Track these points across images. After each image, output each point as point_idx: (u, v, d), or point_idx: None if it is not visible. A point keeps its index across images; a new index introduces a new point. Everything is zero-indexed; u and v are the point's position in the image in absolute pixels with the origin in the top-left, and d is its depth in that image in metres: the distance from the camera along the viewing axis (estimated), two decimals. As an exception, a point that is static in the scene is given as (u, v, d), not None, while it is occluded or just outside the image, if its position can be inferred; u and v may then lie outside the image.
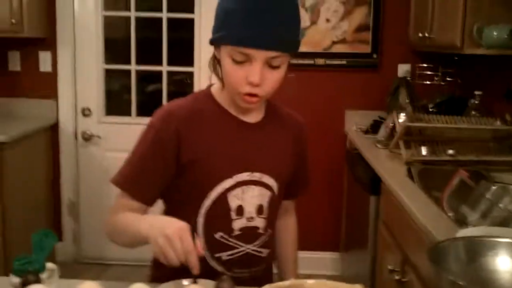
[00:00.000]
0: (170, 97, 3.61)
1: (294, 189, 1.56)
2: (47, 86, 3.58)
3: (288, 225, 1.63)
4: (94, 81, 3.60)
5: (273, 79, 1.26)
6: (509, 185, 2.17)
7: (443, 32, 2.76)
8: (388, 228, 2.34)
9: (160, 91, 3.64)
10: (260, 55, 1.22)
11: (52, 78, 3.58)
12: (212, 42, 1.31)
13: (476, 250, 1.13)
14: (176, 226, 1.11)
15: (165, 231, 1.09)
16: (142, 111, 3.66)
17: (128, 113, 3.66)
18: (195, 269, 1.08)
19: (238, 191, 1.35)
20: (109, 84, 3.70)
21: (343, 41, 3.51)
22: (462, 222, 1.70)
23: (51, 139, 3.62)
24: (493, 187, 1.71)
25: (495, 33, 2.32)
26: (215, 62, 1.34)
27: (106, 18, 3.58)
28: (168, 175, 1.34)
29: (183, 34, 3.62)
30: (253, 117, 1.40)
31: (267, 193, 1.39)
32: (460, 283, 0.95)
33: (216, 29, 1.28)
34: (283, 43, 1.23)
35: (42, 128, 3.47)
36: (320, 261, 3.68)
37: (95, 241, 3.69)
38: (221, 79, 1.34)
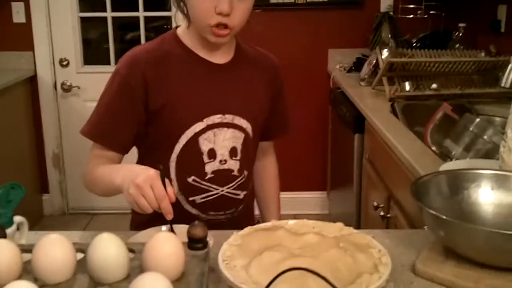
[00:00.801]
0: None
1: (272, 131, 1.53)
2: (22, 38, 3.48)
3: (266, 165, 1.60)
4: (70, 31, 3.51)
5: (241, 9, 1.23)
6: (493, 116, 2.16)
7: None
8: (372, 166, 2.34)
9: (139, 38, 3.55)
10: None
11: (27, 29, 3.47)
12: None
13: (458, 183, 1.12)
14: (146, 174, 1.08)
15: (136, 180, 1.07)
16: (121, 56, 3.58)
17: (107, 62, 3.58)
18: (169, 215, 1.06)
19: (209, 134, 1.32)
20: (86, 34, 3.60)
21: (324, -23, 3.40)
22: (445, 156, 1.69)
23: (31, 91, 3.55)
24: (477, 120, 1.70)
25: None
26: None
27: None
28: (137, 121, 1.31)
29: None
30: (222, 58, 1.35)
31: (241, 135, 1.37)
32: (442, 217, 0.93)
33: None
34: None
35: (20, 80, 3.38)
36: (307, 201, 3.70)
37: (81, 192, 3.64)
38: (186, 16, 1.29)
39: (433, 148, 1.74)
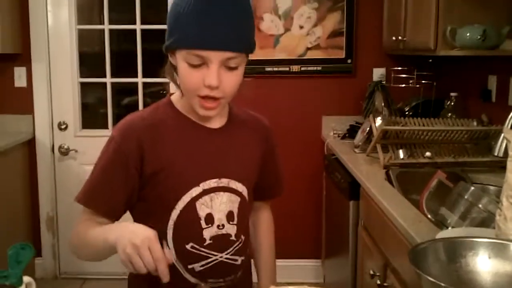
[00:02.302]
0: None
1: (265, 191, 1.54)
2: (22, 101, 3.54)
3: (260, 223, 1.59)
4: (69, 95, 3.57)
5: (231, 81, 1.24)
6: (487, 185, 2.19)
7: (417, 35, 2.78)
8: (368, 233, 2.34)
9: (136, 103, 3.61)
10: (216, 57, 1.19)
11: (27, 93, 3.54)
12: (166, 48, 1.29)
13: (455, 251, 1.14)
14: (144, 235, 1.08)
15: (133, 240, 1.07)
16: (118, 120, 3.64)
17: (105, 126, 3.62)
18: (165, 278, 1.06)
19: (206, 199, 1.32)
20: (85, 98, 3.67)
21: (317, 47, 3.52)
22: (441, 223, 1.71)
23: (28, 154, 3.58)
24: (472, 188, 1.72)
25: (468, 34, 2.34)
26: (171, 69, 1.32)
27: (80, 32, 3.55)
28: (131, 188, 1.31)
29: (157, 45, 3.58)
30: (216, 122, 1.37)
31: (237, 199, 1.37)
32: (441, 284, 0.95)
33: (169, 34, 1.25)
34: (239, 42, 1.21)
35: (19, 143, 3.42)
36: (301, 269, 3.67)
37: (74, 256, 3.64)
38: (179, 86, 1.32)
39: (429, 215, 1.76)
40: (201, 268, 1.33)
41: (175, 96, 1.39)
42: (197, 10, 1.18)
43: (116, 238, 1.12)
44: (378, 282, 2.00)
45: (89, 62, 3.65)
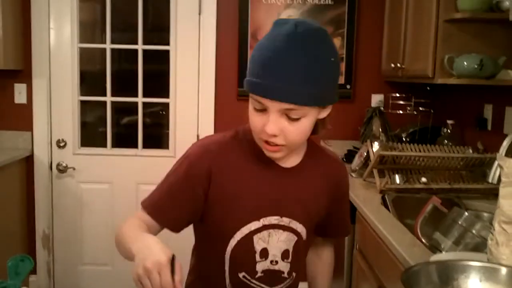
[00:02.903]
0: (146, 129, 3.62)
1: (327, 229, 1.53)
2: (22, 118, 3.56)
3: (320, 256, 1.61)
4: (69, 113, 3.59)
5: (293, 131, 1.21)
6: (481, 212, 2.21)
7: (415, 62, 2.82)
8: (363, 257, 2.35)
9: (136, 123, 3.64)
10: (273, 106, 1.18)
11: (27, 110, 3.56)
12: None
13: (448, 273, 1.15)
14: (156, 259, 1.07)
15: (145, 262, 1.06)
16: (118, 143, 3.66)
17: (104, 145, 3.64)
18: None
19: (264, 234, 1.34)
20: (84, 116, 3.68)
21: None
22: (435, 248, 1.72)
23: (26, 171, 3.58)
24: (466, 214, 1.74)
25: (465, 63, 2.37)
26: None
27: (82, 50, 3.59)
28: (194, 208, 1.34)
29: (158, 66, 3.64)
30: (290, 161, 1.37)
31: (294, 238, 1.38)
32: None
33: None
34: (298, 95, 1.16)
35: (17, 159, 3.43)
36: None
37: (69, 274, 3.64)
38: None
39: (423, 240, 1.77)
40: None
41: None
42: (264, 57, 1.18)
43: (136, 252, 1.13)
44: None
45: (89, 80, 3.68)
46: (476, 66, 2.35)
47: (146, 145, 3.62)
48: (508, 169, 1.24)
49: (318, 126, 1.31)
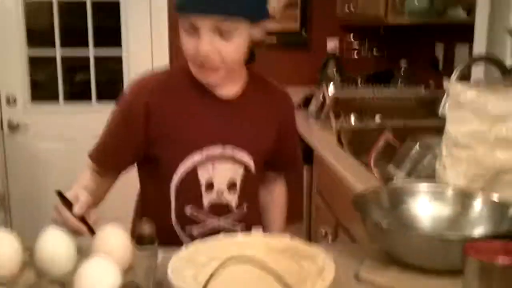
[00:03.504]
0: (100, 86, 3.54)
1: (279, 164, 1.53)
2: (-33, 75, 3.43)
3: (270, 196, 1.60)
4: (17, 68, 3.46)
5: (227, 48, 1.21)
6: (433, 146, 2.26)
7: (368, 5, 2.82)
8: (322, 196, 2.39)
9: (89, 80, 3.51)
10: (204, 23, 1.17)
11: (-27, 66, 3.42)
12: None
13: (397, 197, 1.18)
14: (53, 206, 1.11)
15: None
16: (71, 97, 3.57)
17: (56, 99, 3.54)
18: (85, 233, 1.04)
19: (208, 165, 1.32)
20: (35, 74, 3.56)
21: (271, 18, 3.51)
22: (389, 180, 1.76)
23: (-25, 130, 3.47)
24: (417, 146, 1.77)
25: (416, 2, 2.39)
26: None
27: (28, 5, 3.44)
28: (136, 147, 1.33)
29: (108, 17, 3.53)
30: (230, 90, 1.34)
31: (240, 169, 1.36)
32: (382, 225, 0.98)
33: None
34: (228, 5, 1.17)
35: (-35, 118, 3.32)
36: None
37: (27, 234, 3.59)
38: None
39: (377, 174, 1.80)
40: (199, 231, 1.35)
41: None
42: None
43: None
44: (330, 239, 2.05)
45: (37, 36, 3.54)
46: (426, 5, 2.36)
47: (100, 100, 3.53)
48: (454, 93, 1.26)
49: (254, 53, 1.33)
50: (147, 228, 0.85)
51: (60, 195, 1.09)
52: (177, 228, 1.35)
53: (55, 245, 0.77)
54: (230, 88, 1.34)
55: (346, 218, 1.97)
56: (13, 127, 3.51)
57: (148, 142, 1.32)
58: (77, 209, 1.06)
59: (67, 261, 0.77)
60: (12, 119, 3.51)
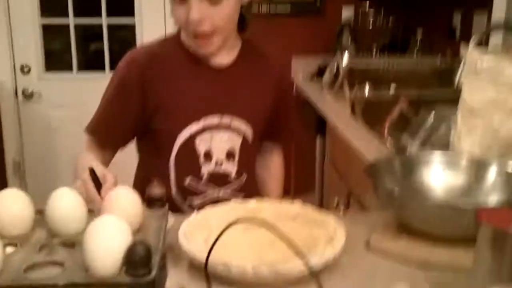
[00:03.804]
0: (113, 55, 3.52)
1: (275, 132, 1.53)
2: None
3: (268, 165, 1.60)
4: (31, 37, 3.46)
5: (217, 15, 1.22)
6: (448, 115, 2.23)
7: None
8: (334, 166, 2.38)
9: (102, 49, 3.50)
10: None
11: (-15, 35, 3.42)
12: None
13: (411, 166, 1.17)
14: (79, 179, 1.09)
15: (74, 185, 1.07)
16: (85, 67, 3.57)
17: (69, 69, 3.55)
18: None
19: (206, 135, 1.32)
20: (48, 42, 3.55)
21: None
22: (402, 151, 1.74)
23: (-10, 98, 3.49)
24: (432, 115, 1.75)
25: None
26: None
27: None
28: (133, 121, 1.33)
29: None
30: (223, 59, 1.35)
31: (238, 138, 1.37)
32: (395, 192, 0.97)
33: None
34: None
35: (-21, 87, 3.34)
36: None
37: (42, 200, 3.63)
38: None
39: (391, 144, 1.78)
40: (199, 202, 1.35)
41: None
42: None
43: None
44: (342, 209, 2.05)
45: (51, 4, 3.53)
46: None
47: (114, 70, 3.53)
48: (470, 60, 1.23)
49: (245, 19, 1.33)
50: (157, 190, 0.85)
51: (93, 172, 1.08)
52: (177, 199, 1.35)
53: (66, 205, 0.77)
54: (224, 57, 1.34)
55: (359, 189, 1.96)
56: (27, 95, 3.52)
57: (145, 114, 1.32)
58: (104, 192, 1.05)
59: (78, 221, 0.77)
60: (27, 87, 3.52)
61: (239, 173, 1.38)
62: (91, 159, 1.25)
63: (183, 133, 1.31)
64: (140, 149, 1.44)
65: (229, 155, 1.36)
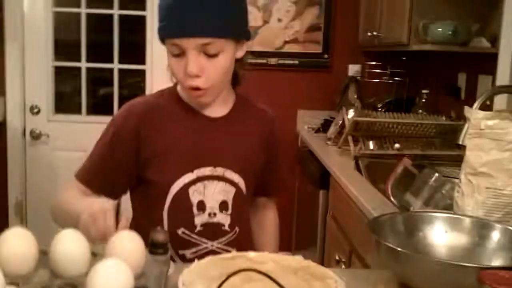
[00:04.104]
0: (122, 99, 3.56)
1: (268, 186, 1.54)
2: (-6, 83, 3.49)
3: (263, 220, 1.60)
4: (43, 79, 3.52)
5: (213, 68, 1.24)
6: (452, 178, 2.23)
7: (391, 30, 2.83)
8: (336, 221, 2.37)
9: (112, 94, 3.57)
10: (189, 44, 1.21)
11: (-1, 74, 3.49)
12: (159, 39, 1.30)
13: (414, 224, 1.16)
14: (101, 205, 1.07)
15: (90, 210, 1.07)
16: (93, 111, 3.61)
17: (79, 112, 3.59)
18: None
19: (199, 185, 1.33)
20: (59, 85, 3.61)
21: (295, 40, 3.55)
22: (406, 208, 1.74)
23: (-2, 137, 3.52)
24: (436, 174, 1.75)
25: (439, 29, 2.39)
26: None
27: (57, 15, 3.51)
28: (128, 171, 1.34)
29: (134, 32, 3.59)
30: (218, 111, 1.37)
31: (232, 189, 1.37)
32: (397, 249, 0.97)
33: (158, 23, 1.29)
34: (212, 28, 1.21)
35: (-12, 125, 3.37)
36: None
37: (41, 241, 3.61)
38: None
39: (394, 201, 1.78)
40: (192, 255, 1.33)
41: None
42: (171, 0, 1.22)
43: (81, 210, 1.11)
44: (343, 267, 2.03)
45: (64, 47, 3.61)
46: (450, 33, 2.36)
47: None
48: (475, 121, 1.25)
49: (239, 74, 1.37)
50: (161, 236, 0.85)
51: (118, 206, 1.07)
52: (171, 251, 1.33)
53: (70, 246, 0.77)
54: (218, 109, 1.37)
55: (361, 246, 1.95)
56: (35, 136, 3.55)
57: (139, 165, 1.33)
58: (124, 223, 1.05)
59: (81, 262, 0.77)
60: (35, 128, 3.55)
61: (232, 226, 1.38)
62: (94, 196, 1.25)
63: (177, 183, 1.32)
64: (133, 200, 1.43)
65: (222, 206, 1.36)
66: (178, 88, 1.39)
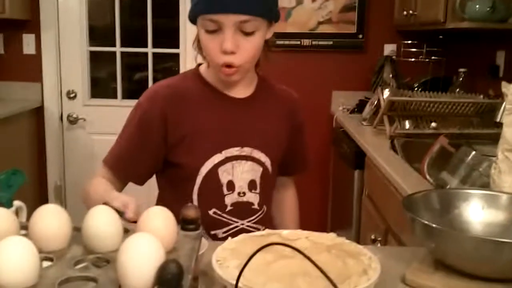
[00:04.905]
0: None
1: (290, 167, 1.55)
2: (31, 69, 3.56)
3: (285, 198, 1.62)
4: (78, 64, 3.59)
5: (248, 46, 1.24)
6: (490, 156, 2.18)
7: (427, 9, 2.76)
8: (372, 201, 2.35)
9: (147, 79, 3.61)
10: (228, 20, 1.20)
11: (36, 60, 3.55)
12: (190, 18, 1.30)
13: (449, 201, 1.14)
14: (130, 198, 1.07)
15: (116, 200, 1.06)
16: (129, 95, 3.65)
17: (114, 96, 3.64)
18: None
19: (228, 166, 1.34)
20: (95, 71, 3.67)
21: (328, 21, 3.50)
22: (442, 187, 1.71)
23: (36, 122, 3.60)
24: (473, 152, 1.72)
25: (477, 6, 2.33)
26: (197, 39, 1.33)
27: (90, 1, 3.56)
28: (156, 154, 1.34)
29: (168, 16, 3.60)
30: (242, 92, 1.38)
31: (259, 168, 1.38)
32: (432, 225, 0.96)
33: (191, 3, 1.28)
34: (251, 6, 1.21)
35: (27, 111, 3.45)
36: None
37: (79, 221, 3.68)
38: (204, 57, 1.33)
39: (430, 180, 1.76)
40: (224, 234, 1.35)
41: (203, 66, 1.40)
42: None
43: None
44: (379, 245, 2.02)
45: (99, 33, 3.66)
46: (488, 9, 2.30)
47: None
48: (513, 96, 1.22)
49: (261, 56, 1.34)
50: (192, 212, 0.86)
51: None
52: (203, 232, 1.34)
53: (102, 222, 0.78)
54: (243, 90, 1.38)
55: (397, 225, 1.93)
56: (72, 121, 3.62)
57: (167, 148, 1.33)
58: (129, 213, 1.03)
59: (114, 238, 0.78)
60: (72, 113, 3.62)
61: (260, 204, 1.39)
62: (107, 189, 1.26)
63: (206, 164, 1.33)
64: (160, 182, 1.44)
65: (251, 185, 1.37)
66: (202, 69, 1.39)
